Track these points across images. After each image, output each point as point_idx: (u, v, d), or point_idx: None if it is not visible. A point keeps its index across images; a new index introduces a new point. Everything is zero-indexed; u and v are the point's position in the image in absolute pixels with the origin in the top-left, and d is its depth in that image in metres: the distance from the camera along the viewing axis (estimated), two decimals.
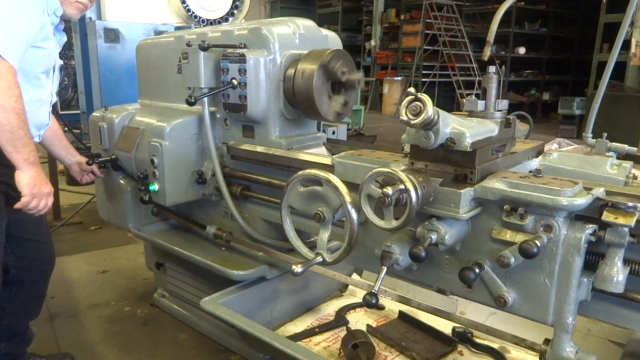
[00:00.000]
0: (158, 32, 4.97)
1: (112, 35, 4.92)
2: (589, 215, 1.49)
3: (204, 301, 2.33)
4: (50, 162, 4.64)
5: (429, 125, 1.49)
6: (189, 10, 5.42)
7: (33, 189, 1.89)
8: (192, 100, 2.27)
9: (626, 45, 9.39)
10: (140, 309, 3.15)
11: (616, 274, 1.41)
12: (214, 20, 5.65)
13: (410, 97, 1.48)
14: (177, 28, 5.25)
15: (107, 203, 2.88)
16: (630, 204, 1.39)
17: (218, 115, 2.52)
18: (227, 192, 2.42)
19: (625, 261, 1.47)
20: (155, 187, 2.46)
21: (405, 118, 1.48)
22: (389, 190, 1.46)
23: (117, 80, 4.91)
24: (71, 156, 2.58)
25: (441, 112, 1.50)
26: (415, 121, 1.46)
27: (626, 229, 1.39)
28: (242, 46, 2.29)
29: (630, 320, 1.58)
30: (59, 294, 3.33)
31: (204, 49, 2.27)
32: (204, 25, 5.48)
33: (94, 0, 2.25)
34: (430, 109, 1.43)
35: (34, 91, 2.07)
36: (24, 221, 2.19)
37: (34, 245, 2.29)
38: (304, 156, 2.22)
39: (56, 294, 3.32)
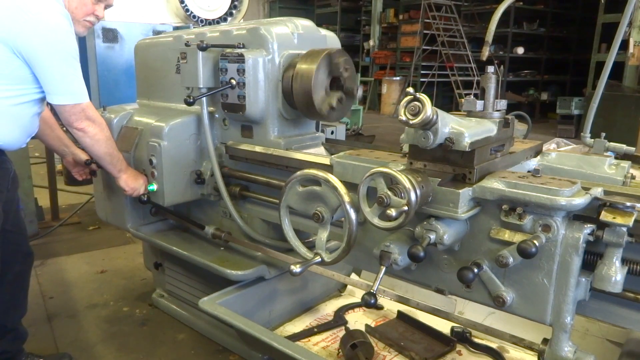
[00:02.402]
0: (156, 32, 4.96)
1: (111, 35, 4.91)
2: (587, 215, 1.49)
3: (203, 301, 2.33)
4: (48, 162, 4.63)
5: (428, 125, 1.49)
6: (187, 10, 5.42)
7: (130, 186, 2.46)
8: (191, 100, 2.27)
9: (624, 45, 9.40)
10: (139, 309, 3.14)
11: (614, 273, 1.42)
12: (213, 20, 5.65)
13: (408, 97, 1.48)
14: (176, 28, 5.24)
15: (106, 203, 2.87)
16: (628, 203, 1.40)
17: (217, 115, 2.52)
18: (226, 192, 2.42)
19: (624, 261, 1.47)
20: (153, 187, 2.46)
21: (404, 118, 1.48)
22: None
23: (115, 80, 4.90)
24: (65, 147, 2.59)
25: (440, 112, 1.50)
26: (414, 121, 1.46)
27: (624, 229, 1.40)
28: (241, 46, 2.29)
29: (629, 319, 1.59)
30: (58, 294, 3.33)
31: (203, 48, 2.27)
32: (202, 25, 5.48)
33: (102, 17, 2.35)
34: (429, 109, 1.44)
35: (40, 106, 2.21)
36: (6, 213, 2.20)
37: (14, 236, 2.30)
38: (302, 156, 2.22)
39: (54, 294, 3.32)
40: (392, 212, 1.46)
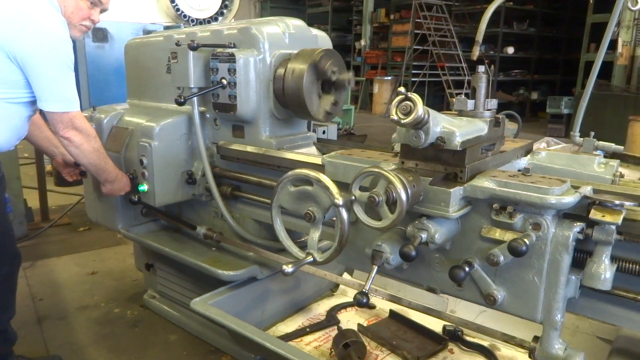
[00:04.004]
0: (147, 32, 4.94)
1: (101, 35, 4.88)
2: (576, 213, 1.51)
3: (195, 302, 2.32)
4: (37, 163, 4.59)
5: (419, 125, 1.50)
6: (178, 10, 5.40)
7: (111, 194, 2.52)
8: (182, 100, 2.26)
9: (613, 45, 9.50)
10: (130, 311, 3.12)
11: (604, 271, 1.43)
12: (204, 19, 5.62)
13: (400, 97, 1.48)
14: (166, 27, 5.22)
15: (96, 204, 2.85)
16: (617, 202, 1.41)
17: (208, 115, 2.51)
18: (217, 193, 2.41)
19: (613, 258, 1.48)
20: (144, 187, 2.44)
21: (395, 117, 1.48)
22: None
23: (105, 80, 4.87)
24: (54, 147, 2.58)
25: (431, 111, 1.51)
26: (405, 120, 1.46)
27: (613, 227, 1.41)
28: (232, 46, 2.28)
29: (618, 317, 1.60)
30: (48, 296, 3.30)
31: (193, 48, 2.26)
32: (193, 25, 5.45)
33: (98, 21, 2.37)
34: (420, 109, 1.44)
35: (31, 110, 2.21)
36: None
37: (1, 237, 2.28)
38: (294, 156, 2.22)
39: (44, 296, 3.29)
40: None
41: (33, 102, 2.16)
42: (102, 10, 2.36)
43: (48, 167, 5.28)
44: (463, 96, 1.75)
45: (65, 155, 2.58)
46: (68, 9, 2.19)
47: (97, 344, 2.79)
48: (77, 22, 2.24)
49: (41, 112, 2.27)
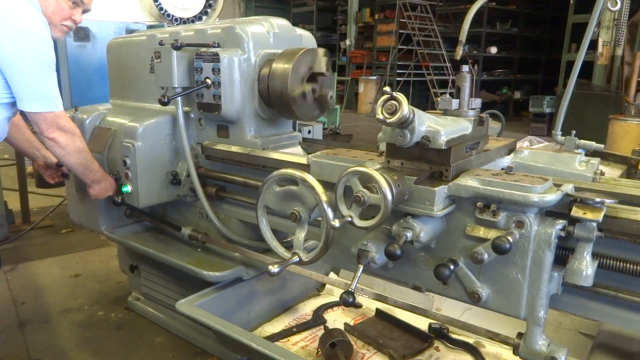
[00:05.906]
0: (129, 31, 4.89)
1: (82, 34, 4.82)
2: (559, 211, 1.53)
3: (180, 303, 2.30)
4: (18, 164, 4.51)
5: (405, 124, 1.50)
6: (161, 9, 5.35)
7: (98, 196, 2.48)
8: (166, 100, 2.24)
9: (593, 45, 9.65)
10: (114, 313, 3.09)
11: (585, 267, 1.45)
12: (187, 19, 5.59)
13: (385, 96, 1.49)
14: (149, 27, 5.17)
15: (79, 205, 2.81)
16: (597, 199, 1.43)
17: (192, 115, 2.49)
18: (202, 193, 2.40)
19: (594, 255, 1.51)
20: (128, 188, 2.42)
21: (381, 117, 1.49)
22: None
23: (87, 79, 4.81)
24: (35, 149, 2.54)
25: (416, 110, 1.51)
26: (391, 120, 1.47)
27: (594, 224, 1.43)
28: (216, 45, 2.27)
29: (600, 312, 1.63)
30: (30, 300, 3.24)
31: (177, 48, 2.24)
32: (176, 24, 5.41)
33: (80, 21, 2.33)
34: (405, 108, 1.45)
35: (10, 111, 2.16)
36: None
37: None
38: (279, 156, 2.21)
39: (26, 300, 3.24)
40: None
41: (13, 104, 2.11)
42: (85, 11, 2.32)
43: (29, 169, 5.19)
44: (447, 95, 1.76)
45: (46, 157, 2.54)
46: (49, 9, 2.15)
47: (80, 347, 2.75)
48: (58, 22, 2.20)
49: (22, 114, 2.23)
